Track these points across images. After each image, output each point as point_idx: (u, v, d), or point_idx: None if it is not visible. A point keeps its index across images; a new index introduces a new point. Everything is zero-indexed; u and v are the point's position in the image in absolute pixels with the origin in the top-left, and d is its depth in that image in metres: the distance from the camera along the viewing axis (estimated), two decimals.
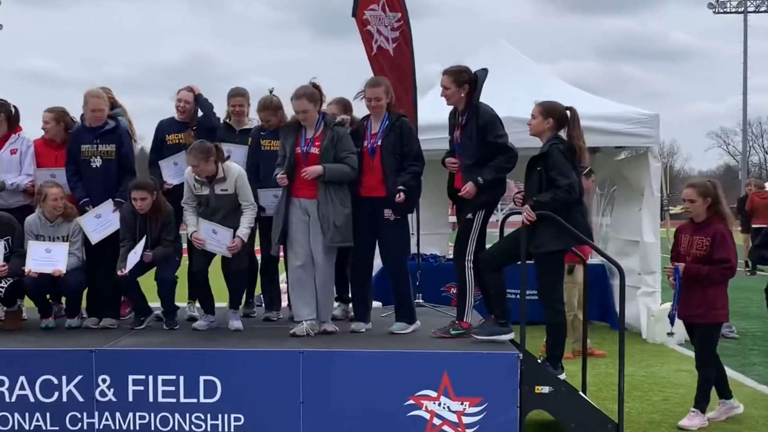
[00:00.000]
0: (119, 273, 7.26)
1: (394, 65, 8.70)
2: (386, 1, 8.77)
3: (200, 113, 8.20)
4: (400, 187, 7.03)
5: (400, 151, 7.12)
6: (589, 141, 11.66)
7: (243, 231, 7.27)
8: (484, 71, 7.23)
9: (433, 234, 13.37)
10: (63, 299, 7.85)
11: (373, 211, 7.16)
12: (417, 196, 7.34)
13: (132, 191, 7.40)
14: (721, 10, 57.06)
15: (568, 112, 6.85)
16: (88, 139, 7.70)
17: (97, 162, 7.69)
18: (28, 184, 7.88)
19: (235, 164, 7.42)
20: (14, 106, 8.13)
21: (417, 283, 9.08)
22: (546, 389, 6.40)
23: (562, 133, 6.86)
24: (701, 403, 7.14)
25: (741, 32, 55.15)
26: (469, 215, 6.99)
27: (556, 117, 6.81)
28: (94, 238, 7.49)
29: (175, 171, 7.96)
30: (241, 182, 7.33)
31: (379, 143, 7.14)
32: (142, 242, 7.35)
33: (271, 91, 8.00)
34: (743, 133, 60.09)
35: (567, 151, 6.67)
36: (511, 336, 6.82)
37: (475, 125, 6.91)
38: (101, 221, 7.59)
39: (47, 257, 7.33)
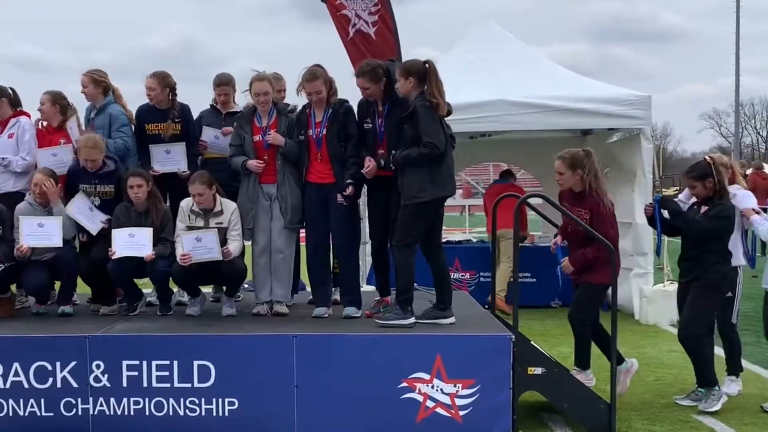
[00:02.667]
0: (109, 252, 7.20)
1: (375, 49, 8.66)
2: None
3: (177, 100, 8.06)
4: (349, 181, 7.11)
5: (345, 136, 7.19)
6: (581, 123, 11.93)
7: (233, 246, 7.27)
8: (393, 62, 7.34)
9: None
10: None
11: (325, 198, 7.26)
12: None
13: (128, 179, 7.37)
14: None
15: (427, 66, 6.78)
16: (86, 179, 7.62)
17: (95, 201, 7.62)
18: (27, 165, 7.83)
19: (230, 201, 7.46)
20: (11, 89, 8.12)
21: None
22: (539, 370, 6.45)
23: None
24: (582, 361, 7.14)
25: (732, 13, 55.04)
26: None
27: (415, 74, 6.76)
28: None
29: (165, 158, 7.87)
30: (235, 217, 7.39)
31: (324, 132, 7.20)
32: (149, 233, 7.28)
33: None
34: (736, 114, 60.02)
35: (431, 108, 6.67)
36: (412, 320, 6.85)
37: (400, 113, 6.90)
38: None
39: (40, 231, 7.26)
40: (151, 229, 7.31)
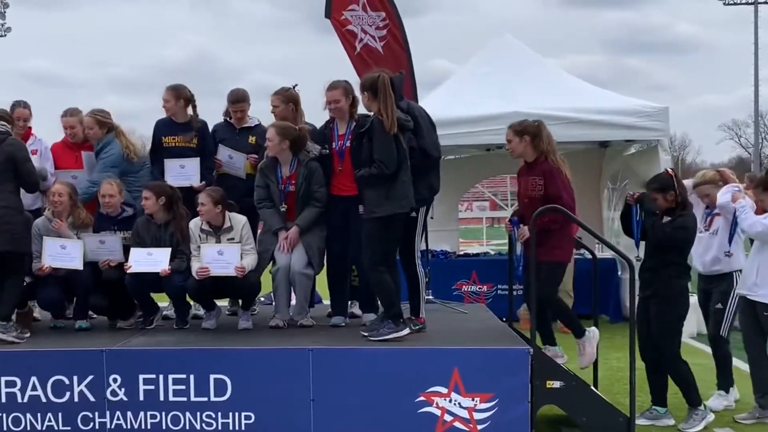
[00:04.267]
0: (125, 267, 7.22)
1: (384, 63, 8.65)
2: (366, 1, 8.74)
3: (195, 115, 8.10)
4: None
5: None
6: (598, 135, 11.90)
7: (247, 261, 7.25)
8: (401, 75, 7.28)
9: (443, 230, 13.36)
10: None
11: (347, 209, 7.24)
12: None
13: (144, 190, 7.44)
14: (731, 2, 56.74)
15: (379, 79, 6.77)
16: (107, 226, 7.61)
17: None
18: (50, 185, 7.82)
19: (239, 215, 7.46)
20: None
21: (427, 280, 9.08)
22: (557, 384, 6.39)
23: None
24: (577, 332, 7.02)
25: (749, 23, 54.87)
26: (414, 213, 7.08)
27: (369, 89, 6.77)
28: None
29: (179, 173, 7.85)
30: (247, 230, 7.40)
31: (348, 145, 7.19)
32: (167, 253, 7.28)
33: (294, 87, 7.98)
34: (755, 125, 59.83)
35: (382, 124, 6.67)
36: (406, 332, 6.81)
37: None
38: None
39: (62, 253, 7.26)
40: (170, 249, 7.31)
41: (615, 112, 11.53)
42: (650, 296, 7.07)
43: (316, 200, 7.31)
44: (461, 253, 14.01)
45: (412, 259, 7.29)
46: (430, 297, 8.99)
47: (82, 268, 7.29)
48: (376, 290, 6.99)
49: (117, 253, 7.35)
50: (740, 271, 7.43)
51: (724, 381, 7.64)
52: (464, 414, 6.30)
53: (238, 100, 8.14)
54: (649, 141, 11.71)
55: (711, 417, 7.14)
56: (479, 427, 6.29)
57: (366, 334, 6.79)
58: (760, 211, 7.07)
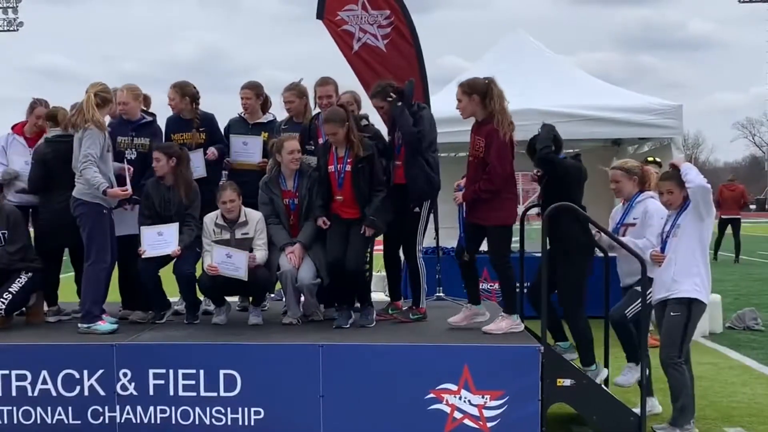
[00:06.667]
0: (139, 251, 7.26)
1: (387, 62, 8.62)
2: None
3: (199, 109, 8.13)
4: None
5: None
6: (612, 133, 11.86)
7: (258, 255, 7.32)
8: (411, 83, 7.55)
9: (453, 227, 13.30)
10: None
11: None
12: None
13: (153, 152, 7.49)
14: None
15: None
16: (124, 131, 7.70)
17: (132, 155, 7.70)
18: None
19: (255, 211, 7.51)
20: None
21: (437, 277, 9.07)
22: (567, 382, 6.35)
23: None
24: (510, 304, 6.98)
25: (764, 20, 54.63)
26: (417, 209, 7.30)
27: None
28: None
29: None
30: (261, 226, 7.43)
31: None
32: (174, 228, 7.32)
33: (300, 80, 8.08)
34: None
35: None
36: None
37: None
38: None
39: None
40: (177, 224, 7.35)
41: (629, 109, 11.48)
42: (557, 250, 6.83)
43: (314, 212, 7.38)
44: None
45: (414, 253, 7.50)
46: (441, 294, 8.98)
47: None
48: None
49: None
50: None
51: (632, 353, 7.09)
52: (474, 411, 6.28)
53: (245, 87, 8.27)
54: (662, 139, 11.65)
55: (604, 374, 6.96)
56: (489, 424, 6.27)
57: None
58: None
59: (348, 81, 8.23)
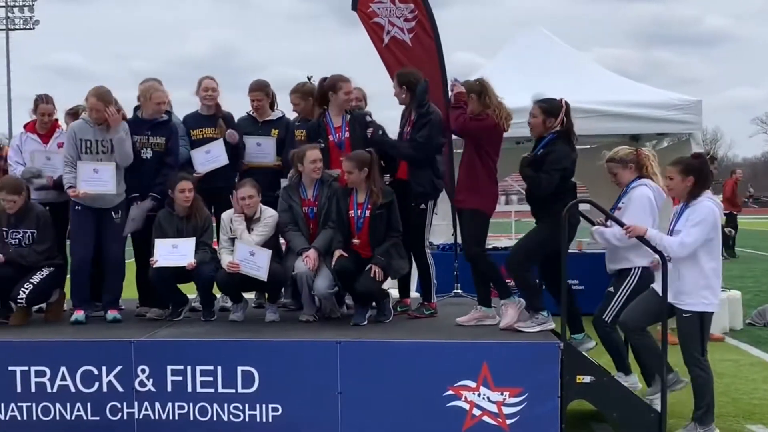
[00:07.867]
0: (151, 261, 7.28)
1: (412, 56, 8.62)
2: None
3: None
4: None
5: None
6: (630, 128, 11.76)
7: (252, 239, 7.34)
8: (427, 82, 7.61)
9: None
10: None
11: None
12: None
13: (179, 182, 7.41)
14: None
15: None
16: (140, 130, 7.66)
17: (147, 154, 7.67)
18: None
19: (270, 208, 7.53)
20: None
21: (455, 273, 9.04)
22: (587, 379, 6.32)
23: None
24: (503, 290, 7.05)
25: None
26: (423, 205, 7.41)
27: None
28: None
29: (206, 159, 7.95)
30: (272, 221, 7.47)
31: (347, 135, 7.51)
32: (190, 243, 7.33)
33: (309, 79, 8.09)
34: None
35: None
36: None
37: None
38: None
39: (95, 177, 7.31)
40: (194, 239, 7.35)
41: (647, 105, 11.39)
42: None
43: (331, 221, 7.39)
44: (490, 247, 13.88)
45: (423, 249, 7.59)
46: (459, 291, 8.95)
47: (115, 191, 7.34)
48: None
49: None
50: (642, 268, 6.84)
51: (621, 363, 7.06)
52: (493, 408, 6.25)
53: (254, 88, 8.27)
54: (681, 134, 11.56)
55: (551, 325, 6.90)
56: (508, 421, 6.25)
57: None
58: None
59: (359, 79, 8.22)
